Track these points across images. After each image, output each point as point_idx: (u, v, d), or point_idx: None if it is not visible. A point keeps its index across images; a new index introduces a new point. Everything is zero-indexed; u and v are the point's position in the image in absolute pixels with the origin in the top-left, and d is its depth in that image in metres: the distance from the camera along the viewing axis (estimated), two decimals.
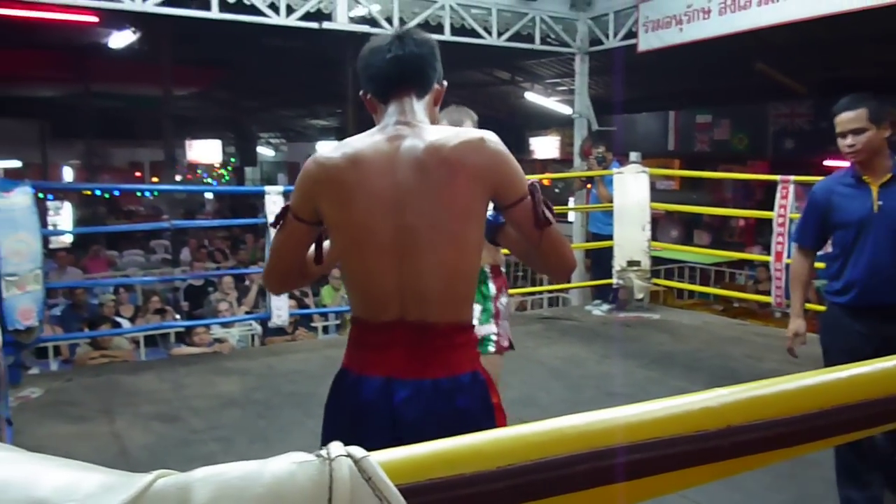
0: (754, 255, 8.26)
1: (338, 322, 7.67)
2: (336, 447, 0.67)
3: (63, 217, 16.85)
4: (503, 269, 3.06)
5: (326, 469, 0.65)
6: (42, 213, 14.28)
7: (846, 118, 2.74)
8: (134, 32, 12.86)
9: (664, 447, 0.80)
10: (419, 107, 1.69)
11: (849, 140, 2.74)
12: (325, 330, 7.66)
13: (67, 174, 20.99)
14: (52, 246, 11.35)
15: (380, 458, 0.68)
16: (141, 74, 15.64)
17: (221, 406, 4.42)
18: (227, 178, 25.17)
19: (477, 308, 2.99)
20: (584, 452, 0.76)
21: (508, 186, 1.59)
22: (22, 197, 4.50)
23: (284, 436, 3.96)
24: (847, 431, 0.95)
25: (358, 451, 0.67)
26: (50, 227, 13.91)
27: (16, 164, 17.53)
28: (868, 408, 0.92)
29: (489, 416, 1.66)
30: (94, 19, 11.15)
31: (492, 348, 2.91)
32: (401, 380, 1.61)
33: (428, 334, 1.61)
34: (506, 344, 2.96)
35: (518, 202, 1.60)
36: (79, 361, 6.02)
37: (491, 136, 1.60)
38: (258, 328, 7.12)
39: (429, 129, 1.63)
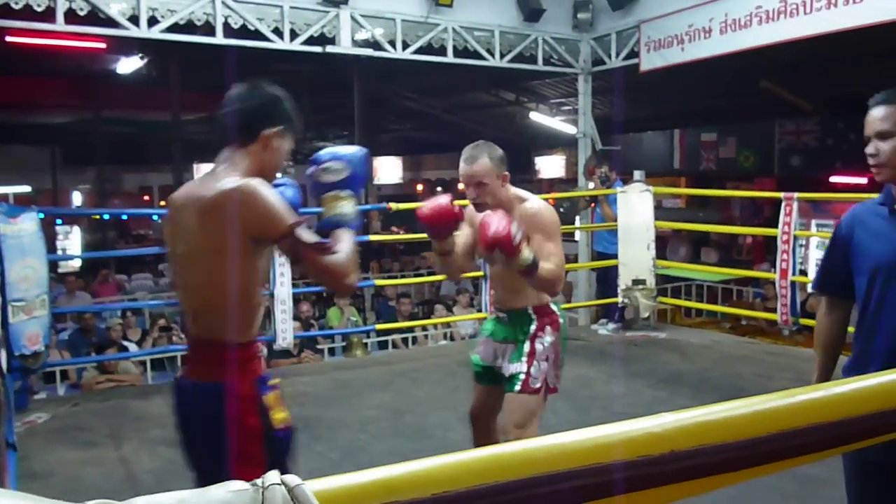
0: (761, 273, 8.24)
1: (344, 344, 7.68)
2: (272, 475, 0.67)
3: (72, 242, 16.95)
4: (554, 308, 2.98)
5: (259, 497, 0.65)
6: (51, 238, 14.39)
7: (875, 116, 2.05)
8: (142, 58, 13.01)
9: (607, 473, 0.79)
10: (238, 154, 1.98)
11: (870, 148, 2.04)
12: (332, 352, 7.67)
13: (77, 199, 21.15)
14: (61, 270, 11.43)
15: (314, 487, 0.68)
16: (150, 100, 15.81)
17: None
18: None
19: (509, 347, 2.95)
20: (525, 479, 0.75)
21: (265, 225, 1.85)
22: (29, 223, 4.54)
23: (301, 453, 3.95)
24: (794, 455, 0.93)
25: (292, 479, 0.67)
26: (59, 252, 14.01)
27: (26, 189, 17.68)
28: (817, 432, 0.91)
29: (217, 426, 1.87)
30: (102, 46, 11.29)
31: (517, 387, 2.83)
32: (179, 378, 2.08)
33: (193, 344, 2.05)
34: (537, 385, 2.84)
35: (281, 238, 1.88)
36: (86, 386, 6.04)
37: (247, 186, 1.84)
38: (264, 350, 7.12)
39: (217, 176, 1.91)
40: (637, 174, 6.86)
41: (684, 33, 6.61)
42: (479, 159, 2.75)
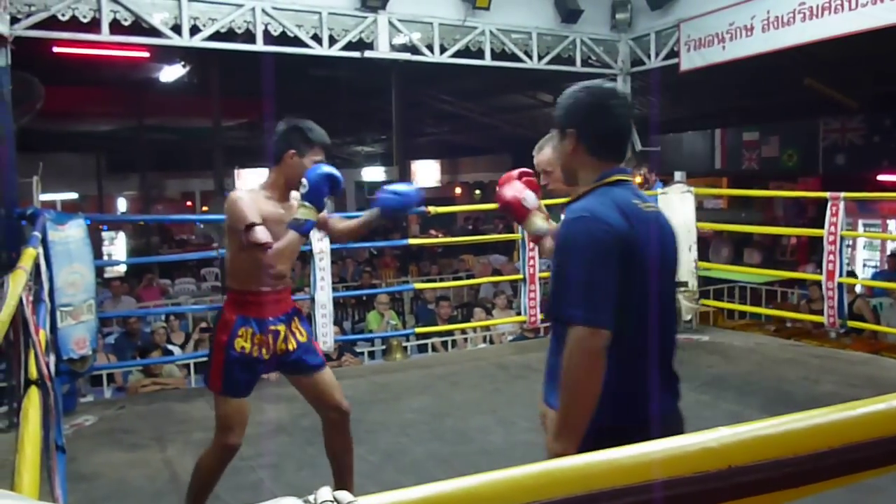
0: (806, 275, 8.08)
1: (383, 347, 7.70)
2: (324, 492, 0.67)
3: (117, 247, 17.28)
4: None
5: None
6: (97, 243, 14.69)
7: None
8: (184, 66, 13.24)
9: (663, 490, 0.77)
10: (272, 171, 2.96)
11: None
12: (371, 355, 7.70)
13: (122, 205, 21.57)
14: (107, 275, 11.65)
15: (367, 503, 0.68)
16: (192, 107, 16.10)
17: (270, 433, 4.46)
18: None
19: None
20: (580, 495, 0.74)
21: (234, 222, 2.78)
22: (76, 229, 4.64)
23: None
24: (857, 471, 0.90)
25: (344, 496, 0.66)
26: (105, 258, 14.29)
27: (73, 196, 18.08)
28: (880, 446, 0.88)
29: (214, 332, 3.12)
30: (146, 55, 11.52)
31: None
32: None
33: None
34: None
35: (243, 232, 2.74)
36: (131, 389, 6.15)
37: (232, 195, 2.84)
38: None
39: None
40: (678, 175, 6.77)
41: (725, 32, 6.52)
42: (544, 149, 2.75)
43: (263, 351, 2.95)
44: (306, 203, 2.75)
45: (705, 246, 10.77)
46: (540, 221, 2.63)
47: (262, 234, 2.70)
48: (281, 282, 2.98)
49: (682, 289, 6.38)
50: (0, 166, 4.89)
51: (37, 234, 3.81)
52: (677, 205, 6.40)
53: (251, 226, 2.69)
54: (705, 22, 6.70)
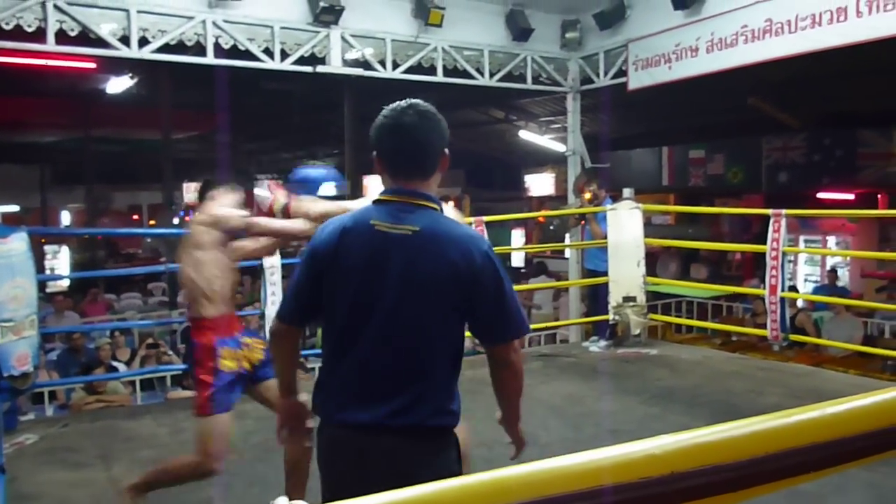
0: (750, 289, 8.27)
1: None
2: (280, 501, 0.67)
3: (61, 261, 16.87)
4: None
5: None
6: (39, 257, 14.30)
7: None
8: (132, 78, 13.01)
9: (608, 496, 0.79)
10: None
11: None
12: None
13: (66, 218, 21.07)
14: (49, 290, 11.36)
15: None
16: (141, 119, 15.81)
17: None
18: None
19: None
20: (524, 503, 0.76)
21: (225, 226, 3.10)
22: (18, 243, 4.52)
23: (283, 479, 3.92)
24: (794, 475, 0.94)
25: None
26: (47, 272, 13.92)
27: (14, 208, 17.61)
28: (816, 451, 0.91)
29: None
30: (93, 66, 11.30)
31: None
32: None
33: None
34: None
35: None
36: (75, 407, 5.99)
37: (198, 216, 3.13)
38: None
39: None
40: (626, 191, 6.89)
41: (671, 52, 6.68)
42: None
43: (246, 364, 3.15)
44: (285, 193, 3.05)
45: (653, 261, 10.96)
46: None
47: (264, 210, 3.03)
48: (231, 301, 3.21)
49: (631, 303, 6.48)
50: None
51: None
52: (626, 221, 6.51)
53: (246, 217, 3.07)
54: (652, 42, 6.85)
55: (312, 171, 3.26)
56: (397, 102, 1.96)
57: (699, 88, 8.08)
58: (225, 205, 3.19)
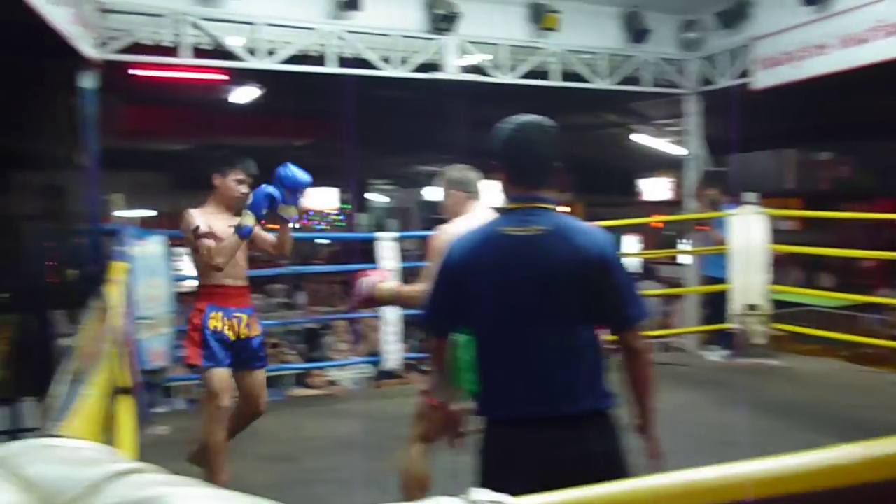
0: (884, 299, 7.79)
1: None
2: (481, 493, 0.69)
3: (186, 263, 17.73)
4: None
5: None
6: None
7: None
8: (255, 88, 13.58)
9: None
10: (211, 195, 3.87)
11: None
12: None
13: None
14: (179, 290, 11.95)
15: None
16: (262, 127, 16.50)
17: (338, 448, 4.52)
18: (341, 224, 25.84)
19: None
20: None
21: (185, 231, 3.65)
22: (156, 245, 4.81)
23: (397, 479, 4.00)
24: None
25: (503, 497, 0.69)
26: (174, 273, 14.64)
27: (151, 213, 18.66)
28: None
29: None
30: (224, 78, 11.88)
31: None
32: None
33: None
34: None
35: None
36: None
37: (184, 211, 3.72)
38: (372, 371, 7.25)
39: None
40: (749, 196, 6.65)
41: (799, 50, 6.39)
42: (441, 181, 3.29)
43: (230, 333, 3.61)
44: (248, 211, 3.47)
45: (775, 269, 10.50)
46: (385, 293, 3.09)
47: (204, 231, 3.50)
48: (239, 279, 3.69)
49: (755, 312, 6.24)
50: (86, 184, 5.12)
51: (121, 248, 3.97)
52: (750, 226, 6.28)
53: (197, 229, 3.49)
54: (778, 40, 6.58)
55: (301, 174, 3.64)
56: (519, 116, 2.14)
57: (827, 88, 7.69)
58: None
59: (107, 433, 1.96)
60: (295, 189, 3.59)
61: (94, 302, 2.72)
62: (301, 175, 3.61)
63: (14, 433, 6.32)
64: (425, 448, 2.98)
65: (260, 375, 3.79)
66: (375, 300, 3.14)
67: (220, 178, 3.70)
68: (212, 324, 3.56)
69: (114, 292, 2.67)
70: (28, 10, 3.53)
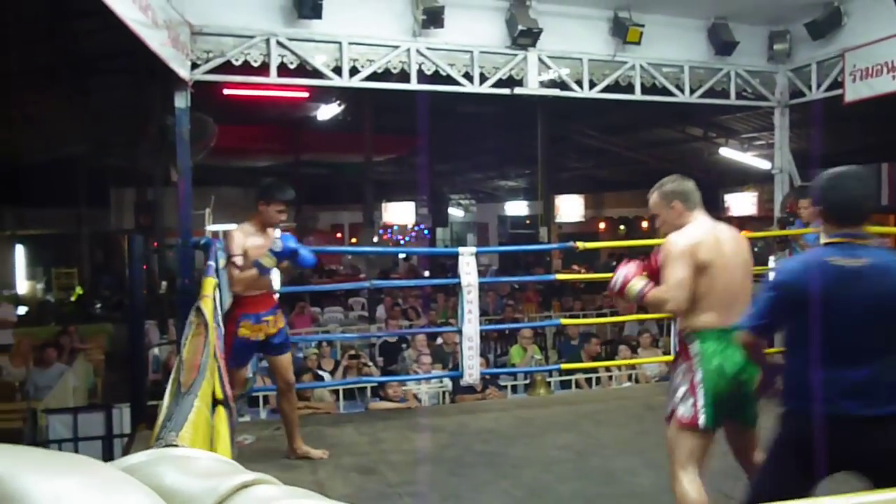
0: None
1: (527, 382, 7.67)
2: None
3: (273, 277, 18.19)
4: (695, 337, 2.97)
5: None
6: None
7: None
8: (339, 105, 13.89)
9: None
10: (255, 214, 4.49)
11: None
12: (514, 389, 7.68)
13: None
14: None
15: None
16: (344, 143, 16.87)
17: (416, 461, 4.54)
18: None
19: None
20: None
21: (227, 250, 4.40)
22: None
23: (476, 495, 4.00)
24: None
25: None
26: None
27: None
28: None
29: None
30: (305, 95, 12.20)
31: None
32: None
33: None
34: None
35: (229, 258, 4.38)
36: None
37: (227, 231, 4.65)
38: (449, 385, 7.27)
39: None
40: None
41: (895, 61, 6.13)
42: (652, 194, 3.17)
43: (260, 335, 4.34)
44: (272, 256, 4.14)
45: None
46: (633, 287, 3.10)
47: (238, 262, 4.22)
48: (264, 289, 4.43)
49: None
50: (178, 199, 5.32)
51: (212, 263, 4.10)
52: None
53: (230, 256, 4.21)
54: (873, 50, 6.32)
55: (311, 259, 4.45)
56: (838, 169, 2.58)
57: None
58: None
59: (209, 444, 2.02)
60: (302, 265, 4.42)
61: (192, 317, 2.83)
62: (310, 259, 4.43)
63: (107, 438, 6.61)
64: (693, 473, 2.91)
65: (286, 358, 4.55)
66: (624, 295, 3.21)
67: (265, 206, 4.33)
68: (242, 332, 4.27)
69: (208, 306, 2.77)
70: (129, 34, 3.71)
